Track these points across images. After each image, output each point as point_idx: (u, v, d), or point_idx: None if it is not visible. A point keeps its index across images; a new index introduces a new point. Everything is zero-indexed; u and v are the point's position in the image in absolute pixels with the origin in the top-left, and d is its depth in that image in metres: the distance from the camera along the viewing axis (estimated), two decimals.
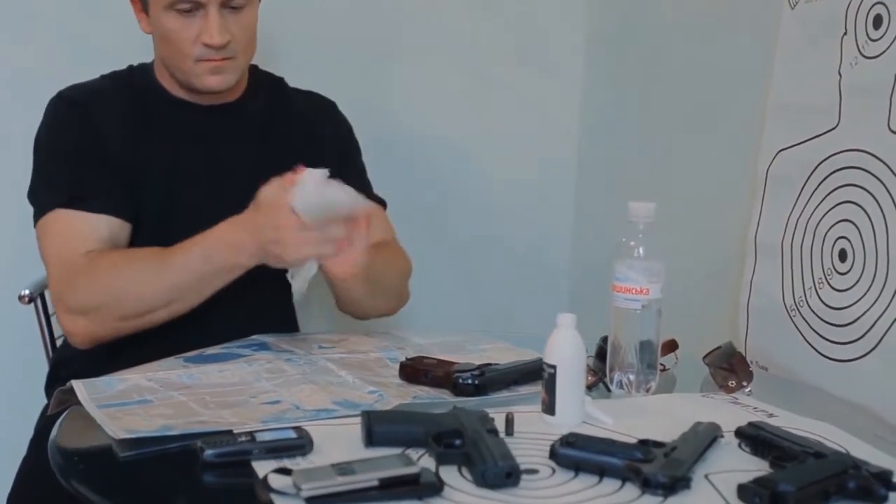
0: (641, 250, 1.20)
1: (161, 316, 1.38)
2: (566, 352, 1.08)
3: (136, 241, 1.49)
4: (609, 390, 1.24)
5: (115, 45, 1.74)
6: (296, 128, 1.62)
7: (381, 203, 1.67)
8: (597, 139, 2.25)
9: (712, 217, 1.80)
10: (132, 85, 1.55)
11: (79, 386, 1.16)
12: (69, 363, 1.57)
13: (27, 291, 1.67)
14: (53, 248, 1.42)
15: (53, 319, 1.70)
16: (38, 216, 1.46)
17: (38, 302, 1.70)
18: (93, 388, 1.16)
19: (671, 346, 1.37)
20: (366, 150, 1.73)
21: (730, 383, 1.29)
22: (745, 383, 1.28)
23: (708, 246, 1.80)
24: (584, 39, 2.26)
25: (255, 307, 1.53)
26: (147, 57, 1.59)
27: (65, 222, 1.42)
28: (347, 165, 1.63)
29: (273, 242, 1.29)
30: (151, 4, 1.46)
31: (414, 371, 1.26)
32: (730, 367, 1.32)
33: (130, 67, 1.59)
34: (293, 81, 1.70)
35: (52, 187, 1.45)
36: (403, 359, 1.30)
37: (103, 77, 1.57)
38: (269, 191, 1.31)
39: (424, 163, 2.18)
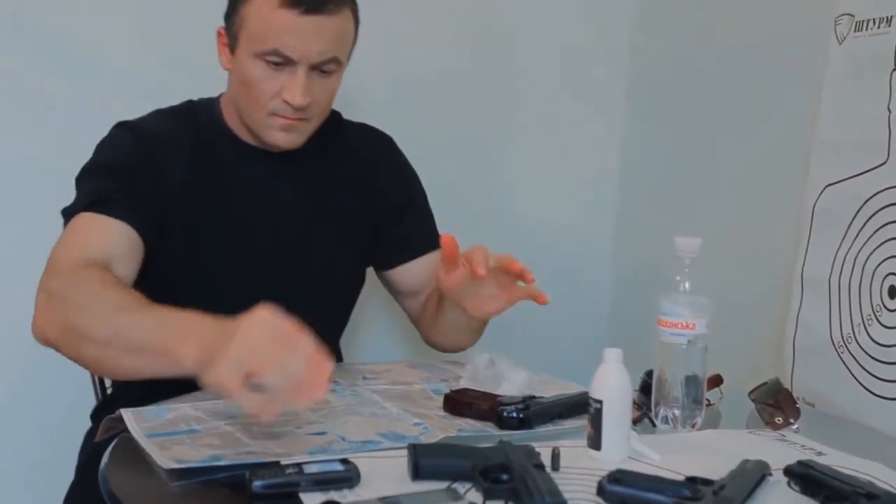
0: (687, 285, 1.20)
1: (92, 353, 1.20)
2: (613, 387, 1.08)
3: (182, 277, 1.46)
4: (654, 425, 1.23)
5: (163, 80, 1.75)
6: (352, 166, 1.59)
7: None
8: (639, 175, 2.25)
9: (758, 252, 1.79)
10: (196, 122, 1.51)
11: (128, 415, 1.17)
12: (118, 391, 1.59)
13: None
14: (60, 245, 1.36)
15: None
16: (64, 225, 1.41)
17: None
18: (141, 417, 1.17)
19: (716, 381, 1.37)
20: None
21: (776, 420, 1.28)
22: (792, 420, 1.27)
23: (753, 281, 1.79)
24: (626, 77, 2.27)
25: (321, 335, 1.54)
26: (187, 94, 1.58)
27: (80, 225, 1.38)
28: (413, 208, 1.64)
29: (229, 363, 1.02)
30: (241, 46, 1.41)
31: (458, 403, 1.26)
32: (776, 404, 1.31)
33: (191, 102, 1.55)
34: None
35: (82, 195, 1.42)
36: (447, 391, 1.30)
37: (162, 112, 1.53)
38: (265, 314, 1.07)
39: (465, 200, 2.19)
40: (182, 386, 1.31)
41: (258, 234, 1.50)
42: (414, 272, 1.61)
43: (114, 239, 1.36)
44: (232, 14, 1.43)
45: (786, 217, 1.67)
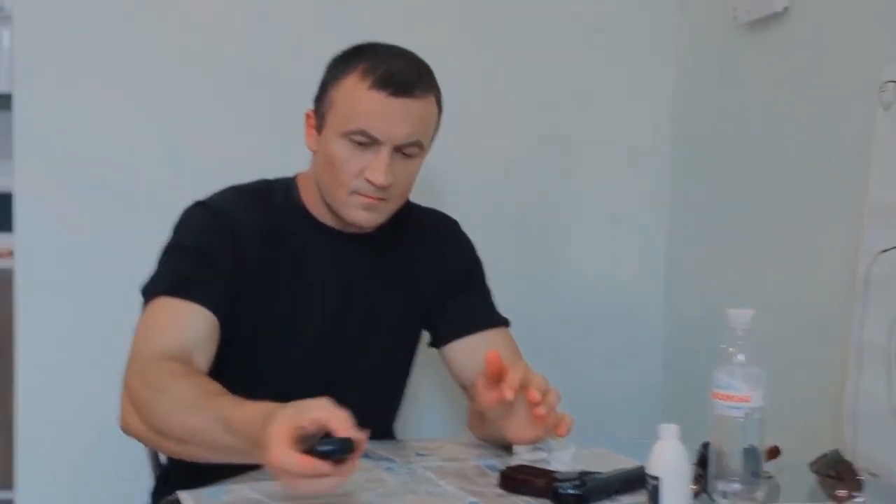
0: (741, 357, 1.19)
1: (173, 447, 1.29)
2: (670, 463, 1.08)
3: (251, 354, 1.48)
4: (713, 500, 1.22)
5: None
6: (422, 251, 1.63)
7: (505, 322, 1.66)
8: (687, 243, 2.25)
9: (811, 319, 1.77)
10: (271, 200, 1.54)
11: (185, 497, 1.18)
12: (177, 470, 1.59)
13: None
14: (140, 332, 1.40)
15: None
16: (143, 308, 1.45)
17: None
18: (200, 498, 1.18)
19: (774, 453, 1.34)
20: None
21: (839, 493, 1.26)
22: (855, 493, 1.25)
23: (808, 350, 1.76)
24: (671, 141, 2.28)
25: (356, 413, 1.54)
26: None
27: (160, 310, 1.41)
28: (470, 287, 1.65)
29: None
30: (328, 126, 1.46)
31: (514, 480, 1.26)
32: (837, 475, 1.29)
33: (265, 181, 1.58)
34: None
35: (163, 278, 1.45)
36: (502, 467, 1.30)
37: (238, 191, 1.55)
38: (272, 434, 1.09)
39: (515, 266, 2.20)
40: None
41: (327, 312, 1.53)
42: (463, 354, 1.61)
43: (193, 325, 1.40)
44: (322, 96, 1.49)
45: (839, 284, 1.65)
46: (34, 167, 1.96)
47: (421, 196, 1.73)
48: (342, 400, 1.47)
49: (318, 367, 1.52)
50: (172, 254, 1.48)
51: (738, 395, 1.19)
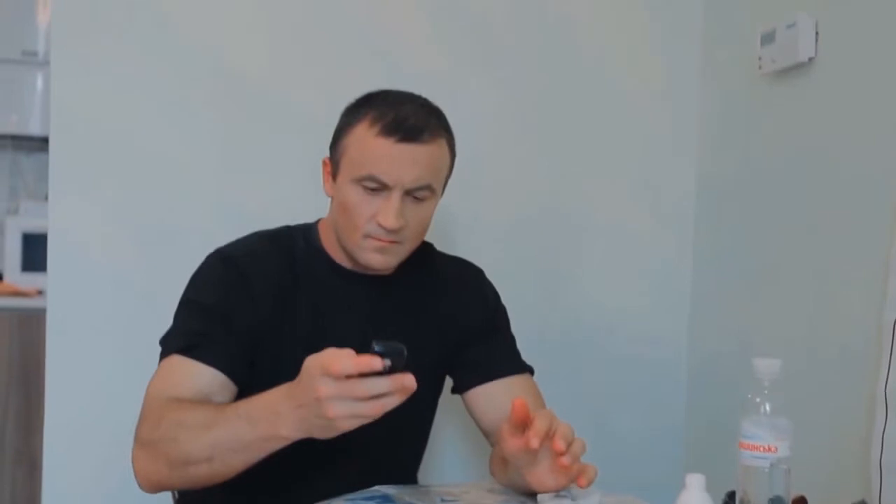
0: (768, 407, 1.19)
1: (203, 471, 1.31)
2: None
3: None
4: None
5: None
6: (444, 297, 1.64)
7: (529, 370, 1.67)
8: (710, 289, 2.25)
9: (838, 367, 1.76)
10: (292, 246, 1.57)
11: None
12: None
13: None
14: (152, 387, 1.44)
15: None
16: (159, 362, 1.48)
17: None
18: None
19: (800, 503, 1.34)
20: None
21: None
22: None
23: (834, 397, 1.75)
24: (696, 188, 2.30)
25: (379, 461, 1.55)
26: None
27: (172, 367, 1.45)
28: (494, 334, 1.66)
29: (315, 415, 1.18)
30: (342, 172, 1.49)
31: None
32: None
33: (287, 228, 1.61)
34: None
35: (177, 335, 1.48)
36: None
37: (261, 237, 1.58)
38: (311, 359, 1.19)
39: (533, 317, 2.20)
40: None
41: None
42: (486, 400, 1.61)
43: (206, 383, 1.43)
44: (335, 144, 1.52)
45: (865, 330, 1.65)
46: (68, 209, 2.00)
47: (440, 235, 1.75)
48: (364, 447, 1.49)
49: None
50: (187, 309, 1.51)
51: (765, 445, 1.18)
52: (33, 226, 3.44)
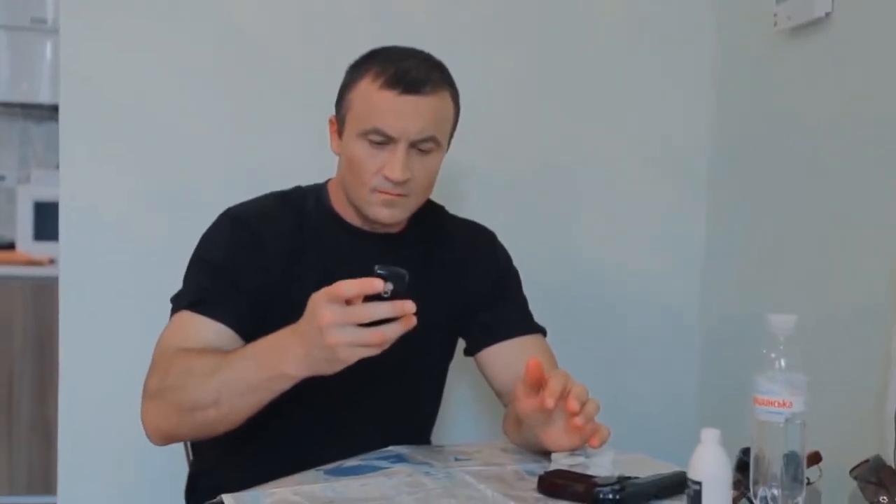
0: (783, 362, 1.19)
1: (211, 416, 1.34)
2: (712, 468, 1.07)
3: None
4: None
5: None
6: (453, 258, 1.65)
7: (541, 330, 1.67)
8: (724, 248, 2.24)
9: (852, 325, 1.76)
10: (303, 206, 1.59)
11: (229, 500, 1.20)
12: (208, 473, 1.63)
13: None
14: (161, 341, 1.47)
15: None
16: (169, 318, 1.51)
17: None
18: (243, 502, 1.20)
19: (815, 459, 1.33)
20: None
21: (881, 499, 1.24)
22: None
23: (849, 355, 1.75)
24: (710, 147, 2.28)
25: (391, 420, 1.56)
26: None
27: (181, 322, 1.47)
28: (505, 296, 1.66)
29: (318, 346, 1.20)
30: (347, 128, 1.51)
31: (553, 485, 1.26)
32: (879, 482, 1.27)
33: (299, 188, 1.63)
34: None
35: (187, 292, 1.51)
36: (541, 471, 1.30)
37: (273, 197, 1.60)
38: (316, 293, 1.22)
39: (546, 280, 2.19)
40: (267, 465, 1.36)
41: None
42: (498, 360, 1.62)
43: (212, 336, 1.45)
44: (340, 101, 1.54)
45: (879, 287, 1.64)
46: (79, 176, 2.00)
47: (453, 197, 1.74)
48: (377, 411, 1.50)
49: (347, 370, 1.54)
50: (197, 268, 1.53)
51: (780, 400, 1.18)
52: (45, 194, 3.45)
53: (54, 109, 2.06)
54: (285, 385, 1.29)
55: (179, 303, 1.49)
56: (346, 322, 1.17)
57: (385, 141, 1.47)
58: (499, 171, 2.18)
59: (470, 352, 1.67)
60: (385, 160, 1.48)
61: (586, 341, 2.23)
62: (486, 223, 1.77)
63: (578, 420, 1.30)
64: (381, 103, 1.47)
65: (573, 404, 1.29)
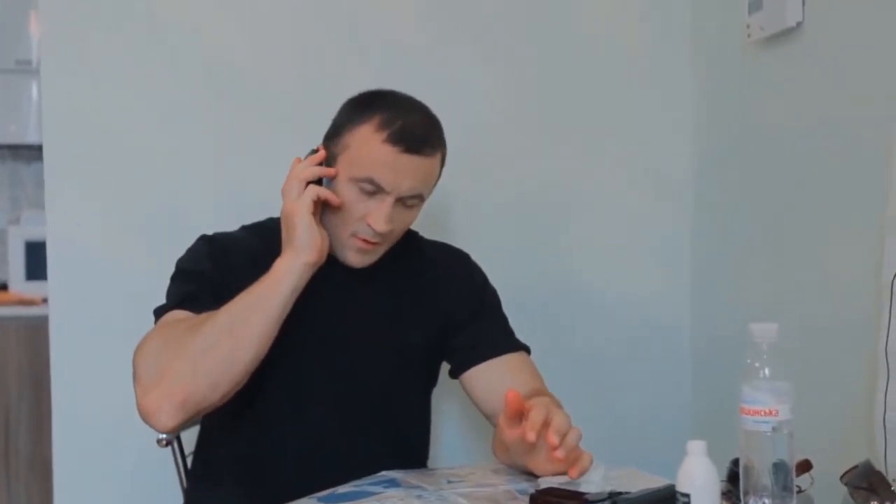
0: (767, 371, 1.19)
1: (226, 347, 1.40)
2: (699, 480, 1.08)
3: (259, 383, 1.51)
4: None
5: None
6: (427, 280, 1.67)
7: (524, 348, 1.68)
8: (710, 259, 2.25)
9: (839, 331, 1.76)
10: (272, 232, 1.58)
11: None
12: (209, 492, 1.63)
13: (164, 435, 1.74)
14: (150, 332, 1.49)
15: (189, 460, 1.76)
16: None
17: (175, 444, 1.77)
18: None
19: (805, 467, 1.34)
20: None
21: None
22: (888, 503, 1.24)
23: (836, 361, 1.75)
24: (692, 158, 2.29)
25: (380, 447, 1.58)
26: None
27: (167, 318, 1.50)
28: (484, 315, 1.67)
29: (287, 227, 1.45)
30: (338, 167, 1.52)
31: (545, 503, 1.26)
32: (870, 487, 1.28)
33: (271, 219, 1.64)
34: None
35: (171, 298, 1.54)
36: (532, 490, 1.30)
37: (243, 227, 1.66)
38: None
39: (533, 295, 2.21)
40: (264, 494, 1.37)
41: (319, 335, 1.57)
42: (482, 381, 1.63)
43: None
44: (334, 137, 1.55)
45: (864, 293, 1.65)
46: (66, 213, 2.00)
47: (439, 220, 1.74)
48: (358, 427, 1.57)
49: (329, 395, 1.57)
50: (176, 280, 1.57)
51: (766, 409, 1.18)
52: (36, 234, 3.45)
53: (39, 149, 2.06)
54: (286, 282, 1.43)
55: (164, 307, 1.52)
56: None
57: (375, 191, 1.50)
58: (484, 193, 2.19)
59: (454, 374, 1.68)
60: (371, 209, 1.50)
61: (577, 357, 2.24)
62: (473, 245, 1.78)
63: (559, 453, 1.30)
64: (380, 156, 1.49)
65: (552, 439, 1.29)
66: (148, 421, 1.43)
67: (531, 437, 1.30)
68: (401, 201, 1.52)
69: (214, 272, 1.54)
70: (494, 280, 1.75)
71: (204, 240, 1.62)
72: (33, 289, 3.47)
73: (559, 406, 1.46)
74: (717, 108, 2.22)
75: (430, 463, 1.71)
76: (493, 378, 1.61)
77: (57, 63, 2.00)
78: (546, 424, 1.31)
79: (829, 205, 1.81)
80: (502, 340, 1.66)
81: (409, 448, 1.67)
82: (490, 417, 1.63)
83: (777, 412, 1.18)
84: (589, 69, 2.26)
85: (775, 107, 1.99)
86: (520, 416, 1.34)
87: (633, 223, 2.29)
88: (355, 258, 1.55)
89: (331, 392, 1.58)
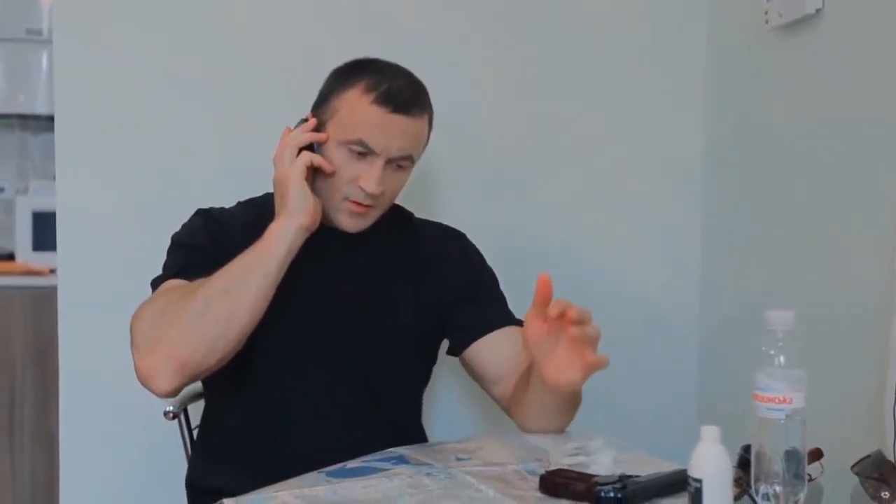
0: (782, 359, 1.19)
1: (224, 308, 1.43)
2: (712, 466, 1.07)
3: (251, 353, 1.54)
4: (755, 502, 1.21)
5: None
6: (419, 256, 1.68)
7: (521, 324, 1.68)
8: (721, 247, 2.25)
9: (850, 321, 1.76)
10: (266, 205, 1.61)
11: None
12: (207, 476, 1.65)
13: (171, 408, 1.75)
14: (144, 306, 1.52)
15: (195, 433, 1.77)
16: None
17: (182, 418, 1.78)
18: None
19: (816, 455, 1.34)
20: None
21: (883, 494, 1.25)
22: None
23: (848, 351, 1.75)
24: (704, 146, 2.28)
25: (367, 415, 1.62)
26: None
27: (162, 287, 1.54)
28: (484, 294, 1.69)
29: (280, 194, 1.50)
30: (327, 132, 1.56)
31: (554, 485, 1.26)
32: (881, 477, 1.28)
33: (267, 194, 1.66)
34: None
35: (168, 269, 1.58)
36: (542, 471, 1.30)
37: (239, 203, 1.70)
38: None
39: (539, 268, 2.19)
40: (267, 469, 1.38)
41: (316, 302, 1.60)
42: (488, 351, 1.64)
43: None
44: (322, 104, 1.59)
45: (875, 282, 1.64)
46: (76, 186, 2.00)
47: (442, 201, 1.71)
48: (350, 399, 1.61)
49: (322, 369, 1.60)
50: (172, 252, 1.60)
51: (780, 396, 1.18)
52: (43, 204, 3.45)
53: (51, 120, 2.06)
54: (280, 245, 1.46)
55: (160, 278, 1.56)
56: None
57: (365, 153, 1.53)
58: (491, 175, 2.18)
59: (454, 351, 1.70)
60: (361, 171, 1.53)
61: None
62: (478, 227, 1.78)
63: (574, 330, 1.33)
64: (369, 118, 1.52)
65: (572, 313, 1.32)
66: (146, 384, 1.46)
67: (553, 311, 1.32)
68: (391, 163, 1.54)
69: (210, 244, 1.57)
70: (502, 269, 1.75)
71: (199, 213, 1.65)
72: (40, 259, 3.47)
73: None
74: (731, 96, 2.21)
75: (437, 437, 1.72)
76: (497, 347, 1.63)
77: (70, 35, 1.99)
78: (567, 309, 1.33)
79: (841, 196, 1.81)
80: (504, 314, 1.68)
81: (402, 417, 1.69)
82: (497, 385, 1.64)
83: (791, 400, 1.18)
84: (601, 54, 2.24)
85: (791, 96, 1.97)
86: (547, 303, 1.36)
87: (644, 212, 2.28)
88: (349, 222, 1.57)
89: (328, 358, 1.60)
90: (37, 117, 3.78)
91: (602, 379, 2.19)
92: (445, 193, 2.10)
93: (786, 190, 1.99)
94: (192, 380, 1.48)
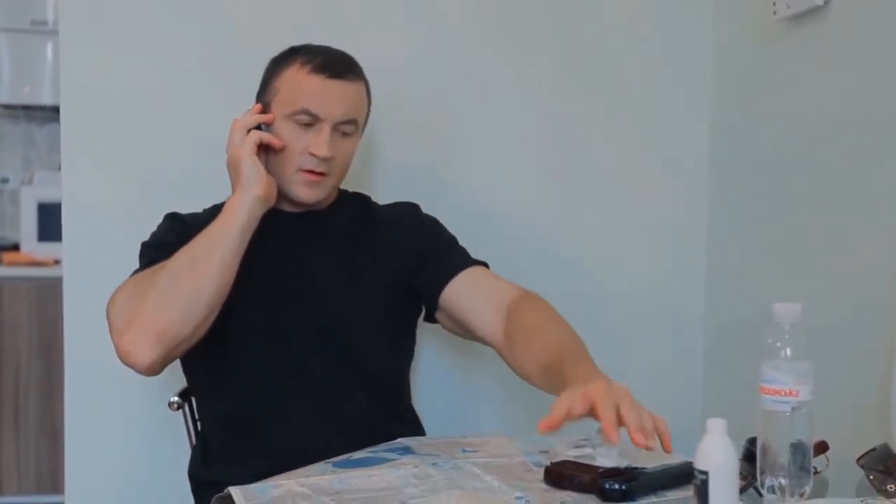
0: (788, 351, 1.19)
1: (192, 278, 1.50)
2: (718, 458, 1.07)
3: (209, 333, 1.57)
4: (761, 495, 1.21)
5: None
6: (378, 233, 1.73)
7: (485, 264, 1.74)
8: (727, 241, 2.23)
9: (856, 314, 1.76)
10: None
11: (236, 493, 1.20)
12: (208, 465, 1.67)
13: (176, 398, 1.76)
14: (118, 292, 1.58)
15: (200, 424, 1.77)
16: None
17: (186, 409, 1.78)
18: (250, 494, 1.20)
19: (821, 448, 1.34)
20: None
21: (889, 487, 1.24)
22: None
23: (854, 344, 1.75)
24: (710, 138, 2.27)
25: (346, 380, 1.65)
26: None
27: (134, 276, 1.61)
28: (437, 247, 1.73)
29: (234, 169, 1.58)
30: (274, 111, 1.63)
31: (559, 476, 1.26)
32: (886, 470, 1.27)
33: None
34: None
35: (139, 267, 1.63)
36: (547, 463, 1.30)
37: (207, 209, 1.73)
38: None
39: (548, 277, 2.19)
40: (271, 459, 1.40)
41: (280, 286, 1.65)
42: (458, 294, 1.68)
43: None
44: (264, 89, 1.68)
45: (882, 276, 1.64)
46: (81, 176, 2.00)
47: (449, 199, 1.72)
48: (328, 368, 1.64)
49: (285, 332, 1.64)
50: (143, 255, 1.66)
51: (786, 389, 1.18)
52: (48, 195, 3.46)
53: (57, 111, 2.05)
54: (239, 216, 1.53)
55: (132, 274, 1.62)
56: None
57: (311, 121, 1.61)
58: (498, 172, 2.17)
59: (430, 311, 1.72)
60: (310, 140, 1.61)
61: (590, 339, 2.22)
62: (486, 224, 1.79)
63: (652, 444, 1.21)
64: (309, 86, 1.61)
65: (639, 439, 1.20)
66: (126, 360, 1.51)
67: (614, 438, 1.20)
68: (337, 130, 1.62)
69: (178, 242, 1.59)
70: (507, 266, 1.78)
71: (167, 217, 1.72)
72: (45, 250, 3.48)
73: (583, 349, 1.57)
74: (738, 90, 2.19)
75: (445, 431, 1.72)
76: (467, 286, 1.67)
77: (76, 26, 1.99)
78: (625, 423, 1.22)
79: (847, 190, 1.80)
80: (464, 259, 1.72)
81: (387, 390, 1.71)
82: (481, 321, 1.65)
83: (797, 392, 1.18)
84: (606, 47, 2.22)
85: (798, 88, 1.96)
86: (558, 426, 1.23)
87: (650, 206, 2.26)
88: (306, 192, 1.63)
89: (301, 332, 1.64)
90: (42, 108, 3.79)
91: (608, 371, 2.20)
92: (447, 193, 2.09)
93: (791, 185, 1.98)
94: (171, 351, 1.52)
